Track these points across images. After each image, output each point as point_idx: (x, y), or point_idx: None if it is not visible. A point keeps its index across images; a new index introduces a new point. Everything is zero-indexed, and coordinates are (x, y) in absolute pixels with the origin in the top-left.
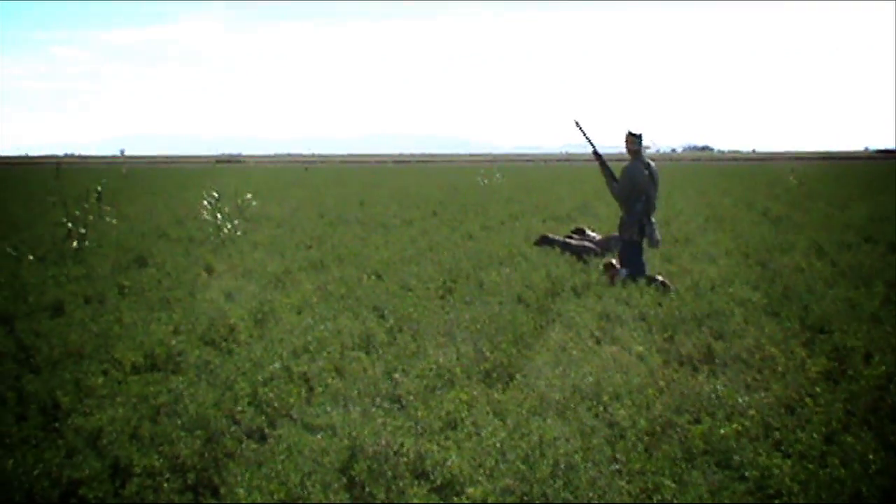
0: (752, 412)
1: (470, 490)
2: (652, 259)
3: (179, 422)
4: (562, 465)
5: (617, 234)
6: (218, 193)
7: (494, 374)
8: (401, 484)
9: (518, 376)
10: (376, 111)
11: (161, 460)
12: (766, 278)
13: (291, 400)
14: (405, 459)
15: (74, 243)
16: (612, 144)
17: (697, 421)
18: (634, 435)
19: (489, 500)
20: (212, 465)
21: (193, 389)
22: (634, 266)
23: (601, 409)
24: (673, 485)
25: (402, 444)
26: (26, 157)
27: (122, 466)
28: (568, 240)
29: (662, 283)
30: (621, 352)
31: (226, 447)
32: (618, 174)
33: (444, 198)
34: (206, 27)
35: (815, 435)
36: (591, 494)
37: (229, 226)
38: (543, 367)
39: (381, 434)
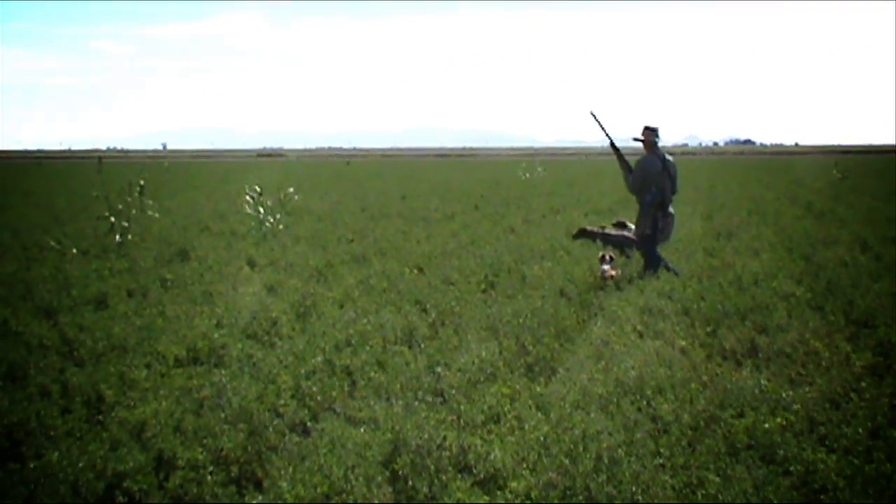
0: (796, 407)
1: (513, 484)
2: (695, 253)
3: (223, 415)
4: (605, 460)
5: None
6: (260, 187)
7: (537, 368)
8: (444, 478)
9: (561, 370)
10: (417, 105)
11: (204, 453)
12: (810, 272)
13: (334, 393)
14: (448, 453)
15: (117, 237)
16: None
17: (741, 415)
18: (678, 429)
19: (532, 494)
20: (255, 459)
21: (236, 383)
22: (651, 260)
23: (644, 403)
24: (717, 479)
25: (444, 438)
26: (69, 151)
27: (165, 459)
28: (606, 232)
29: (674, 271)
30: (664, 346)
31: (269, 440)
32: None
33: (486, 192)
34: (248, 22)
35: (860, 430)
36: (634, 489)
37: (271, 220)
38: (586, 361)
39: (424, 428)
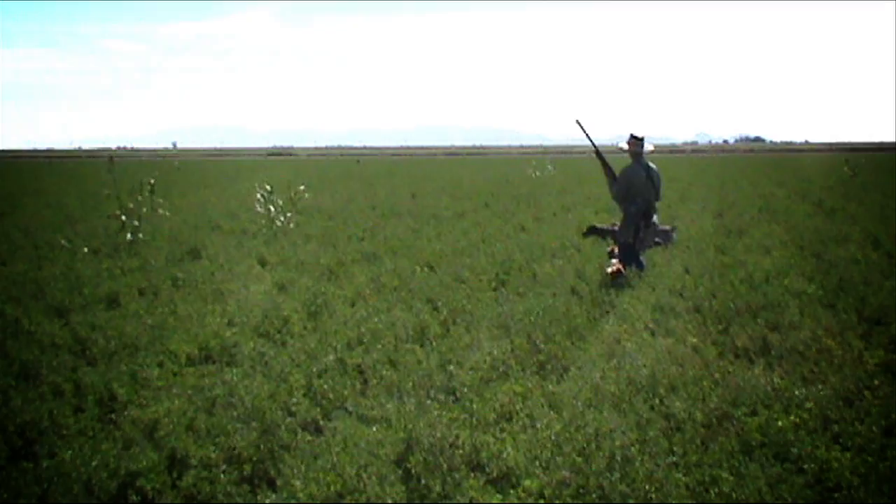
0: (809, 404)
1: (526, 482)
2: (706, 251)
3: (235, 413)
4: (618, 458)
5: (668, 226)
6: (271, 186)
7: (549, 366)
8: (456, 476)
9: (573, 368)
10: (427, 104)
11: (217, 452)
12: (822, 270)
13: (346, 392)
14: (461, 452)
15: (128, 235)
16: (664, 135)
17: (754, 413)
18: (691, 427)
19: (545, 493)
20: (268, 457)
21: (248, 381)
22: (632, 263)
23: (657, 401)
24: (731, 478)
25: (457, 437)
26: (79, 150)
27: (178, 458)
28: (616, 229)
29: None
30: (676, 344)
31: (281, 439)
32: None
33: (496, 189)
34: (259, 21)
35: (874, 428)
36: (647, 487)
37: (282, 218)
38: (598, 359)
39: (436, 426)
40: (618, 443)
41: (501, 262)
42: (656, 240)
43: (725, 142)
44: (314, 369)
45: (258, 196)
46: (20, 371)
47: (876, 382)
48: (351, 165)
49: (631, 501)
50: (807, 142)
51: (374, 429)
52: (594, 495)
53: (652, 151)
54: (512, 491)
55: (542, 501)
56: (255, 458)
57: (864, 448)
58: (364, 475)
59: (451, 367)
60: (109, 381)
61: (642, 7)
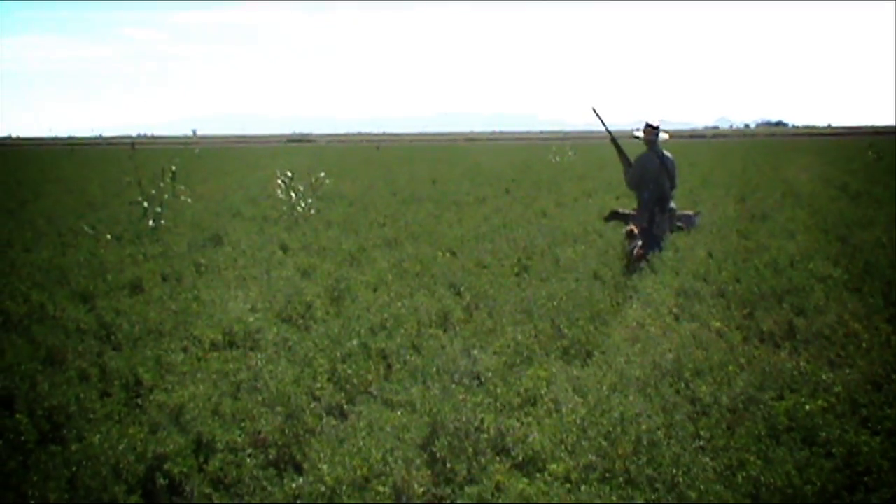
0: (837, 388)
1: (552, 466)
2: (729, 236)
3: (260, 398)
4: (644, 442)
5: (691, 211)
6: (291, 172)
7: (573, 351)
8: (482, 460)
9: (597, 353)
10: (447, 90)
11: (243, 436)
12: (847, 254)
13: (370, 377)
14: (486, 436)
15: (151, 222)
16: (685, 120)
17: (781, 397)
18: (717, 411)
19: (572, 477)
20: (293, 442)
21: (272, 366)
22: (651, 244)
23: (682, 385)
24: (758, 462)
25: (482, 421)
26: (101, 137)
27: (204, 442)
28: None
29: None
30: (701, 328)
31: (306, 423)
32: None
33: (517, 175)
34: (277, 7)
35: None
36: (674, 471)
37: (303, 204)
38: (622, 343)
39: (461, 410)
40: (644, 427)
41: (523, 248)
42: (679, 224)
43: (747, 126)
44: (338, 354)
45: (279, 182)
46: (47, 356)
47: None
48: (370, 152)
49: (657, 485)
50: (830, 126)
51: (399, 413)
52: (620, 479)
53: (667, 139)
54: (538, 475)
55: (568, 485)
56: (280, 443)
57: (894, 432)
58: (390, 459)
59: (475, 352)
60: (135, 366)
61: None
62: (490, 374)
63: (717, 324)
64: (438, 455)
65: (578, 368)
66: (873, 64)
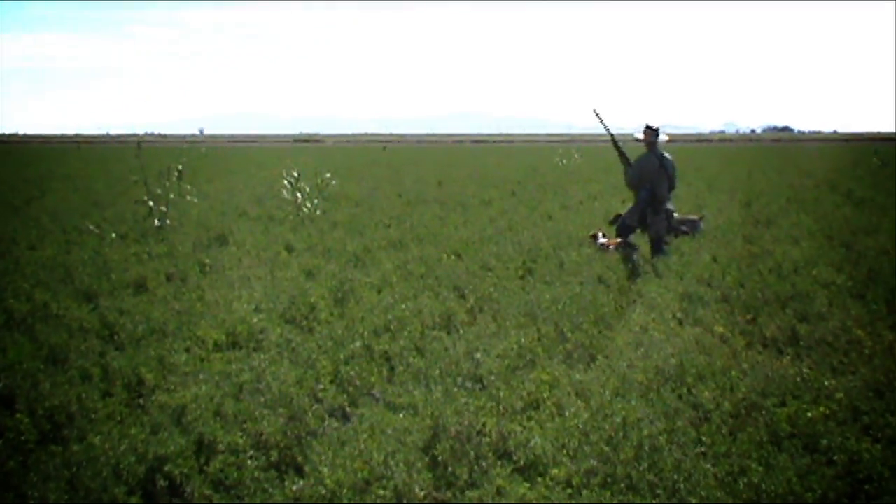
0: (839, 395)
1: (554, 471)
2: (734, 241)
3: (262, 399)
4: (646, 447)
5: (696, 216)
6: (298, 172)
7: (576, 355)
8: (484, 464)
9: (600, 357)
10: (454, 92)
11: (245, 438)
12: (851, 260)
13: (373, 379)
14: (488, 439)
15: (156, 221)
16: (692, 124)
17: (783, 404)
18: (719, 417)
19: (573, 482)
20: (295, 444)
21: (275, 367)
22: (626, 246)
23: (685, 390)
24: (760, 468)
25: (484, 424)
26: (107, 135)
27: (206, 443)
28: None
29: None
30: (704, 333)
31: (308, 425)
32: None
33: (523, 178)
34: (286, 7)
35: None
36: (676, 477)
37: (309, 205)
38: (625, 347)
39: (463, 414)
40: (646, 432)
41: (528, 251)
42: (683, 228)
43: (753, 131)
44: (341, 356)
45: (285, 182)
46: (49, 355)
47: None
48: (377, 152)
49: (659, 491)
50: (835, 132)
51: (401, 416)
52: (622, 484)
53: (668, 141)
54: (539, 479)
55: (569, 490)
56: (282, 444)
57: (895, 440)
58: (391, 462)
59: (478, 355)
60: (137, 366)
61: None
62: (493, 378)
63: (721, 329)
64: (440, 458)
65: (581, 372)
66: (879, 70)
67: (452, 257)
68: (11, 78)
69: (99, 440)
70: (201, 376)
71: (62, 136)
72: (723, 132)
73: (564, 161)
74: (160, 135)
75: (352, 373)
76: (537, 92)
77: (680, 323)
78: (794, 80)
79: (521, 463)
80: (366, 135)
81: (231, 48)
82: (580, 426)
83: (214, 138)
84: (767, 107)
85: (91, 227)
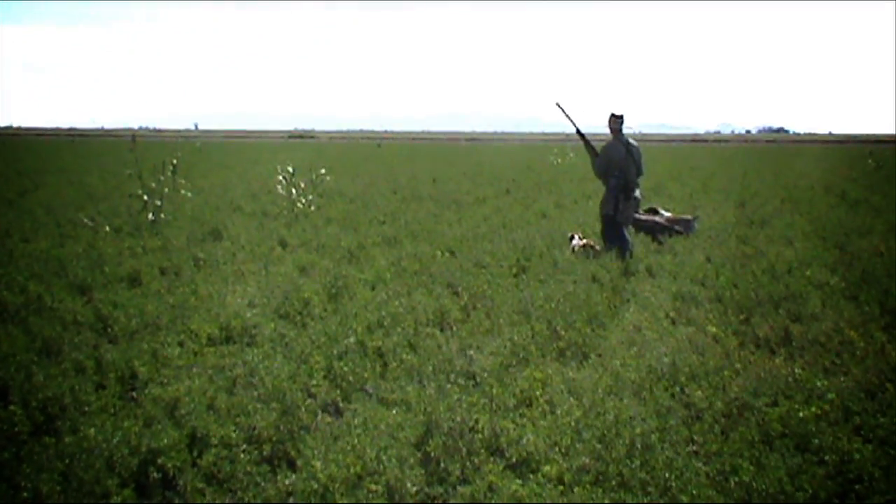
0: (831, 396)
1: (545, 468)
2: (728, 241)
3: (255, 394)
4: (638, 445)
5: (690, 216)
6: (293, 168)
7: (569, 353)
8: (476, 460)
9: (593, 355)
10: (449, 90)
11: (237, 432)
12: (844, 262)
13: (366, 374)
14: (480, 436)
15: (150, 215)
16: (686, 124)
17: (775, 404)
18: (711, 416)
19: (565, 479)
20: (288, 438)
21: (269, 362)
22: (612, 239)
23: (677, 389)
24: (751, 467)
25: (477, 421)
26: (102, 129)
27: (199, 437)
28: (637, 216)
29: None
30: (697, 333)
31: (301, 420)
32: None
33: (517, 176)
34: (281, 6)
35: None
36: (667, 475)
37: (303, 200)
38: (618, 346)
39: (456, 410)
40: (638, 430)
41: (522, 249)
42: (677, 228)
43: (748, 132)
44: (334, 351)
45: (279, 178)
46: (42, 347)
47: None
48: (372, 149)
49: (650, 489)
50: (830, 133)
51: (394, 412)
52: (614, 482)
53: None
54: (531, 476)
55: (561, 487)
56: (275, 439)
57: (886, 440)
58: (384, 458)
59: (471, 352)
60: (131, 359)
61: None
62: (486, 375)
63: (714, 329)
64: (432, 454)
65: (574, 370)
66: (875, 72)
67: (446, 254)
68: (6, 71)
69: (92, 432)
70: (195, 370)
71: (56, 130)
72: (718, 133)
73: (559, 160)
74: (155, 129)
75: (345, 368)
76: (532, 91)
77: (673, 322)
78: (790, 82)
79: (514, 460)
80: (360, 132)
81: (227, 45)
82: (572, 424)
83: (209, 133)
84: (763, 108)
85: (85, 220)
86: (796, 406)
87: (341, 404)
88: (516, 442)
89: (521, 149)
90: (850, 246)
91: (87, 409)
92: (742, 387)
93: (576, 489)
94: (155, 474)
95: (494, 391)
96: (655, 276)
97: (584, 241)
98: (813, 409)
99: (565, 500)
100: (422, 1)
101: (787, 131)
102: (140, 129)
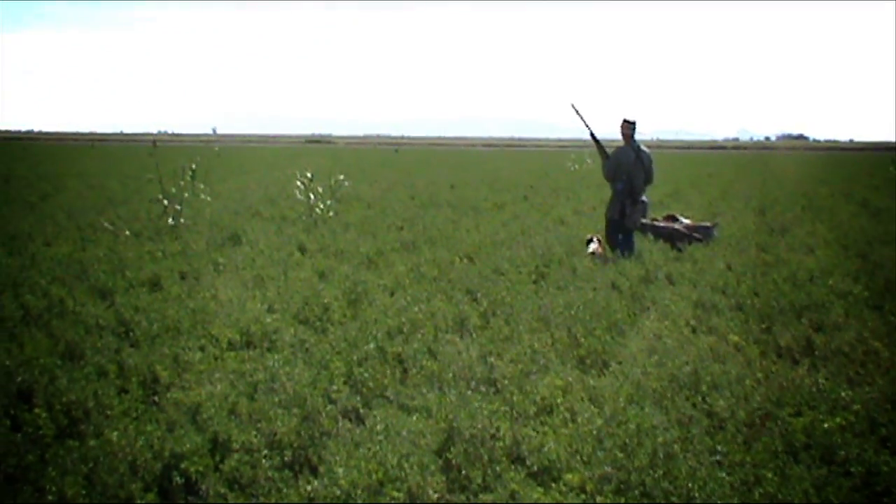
0: (856, 406)
1: (567, 476)
2: (748, 249)
3: (276, 399)
4: (660, 455)
5: (709, 223)
6: (311, 173)
7: (589, 361)
8: (497, 468)
9: (613, 363)
10: (465, 95)
11: (259, 437)
12: (867, 271)
13: (386, 381)
14: (502, 444)
15: (170, 220)
16: (705, 131)
17: (799, 414)
18: (734, 426)
19: (587, 488)
20: (309, 444)
21: (289, 368)
22: (614, 242)
23: (699, 398)
24: (775, 478)
25: (498, 429)
26: (121, 133)
27: (221, 442)
28: (655, 223)
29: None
30: (718, 342)
31: (322, 426)
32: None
33: (535, 182)
34: (300, 7)
35: None
36: (690, 485)
37: (321, 206)
38: (639, 354)
39: (477, 417)
40: (660, 439)
41: (541, 255)
42: (696, 235)
43: (767, 139)
44: (354, 357)
45: (298, 183)
46: (66, 351)
47: None
48: (389, 154)
49: (673, 499)
50: (852, 140)
51: (415, 418)
52: (636, 492)
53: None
54: (553, 484)
55: (583, 496)
56: (296, 444)
57: None
58: (405, 464)
59: (492, 359)
60: (152, 364)
61: (685, 2)
62: (506, 382)
63: (735, 337)
64: (454, 462)
65: (595, 378)
66: None
67: (465, 261)
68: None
69: (115, 436)
70: (216, 375)
71: (76, 134)
72: (736, 139)
73: (576, 166)
74: (173, 134)
75: (365, 374)
76: (549, 97)
77: (694, 331)
78: (810, 88)
79: (535, 468)
80: (377, 137)
81: (246, 49)
82: (594, 432)
83: (228, 138)
84: (782, 114)
85: (106, 224)
86: (821, 417)
87: (362, 410)
88: (538, 450)
89: (539, 154)
90: (872, 255)
91: (109, 412)
92: (765, 396)
93: (598, 498)
94: (178, 479)
95: (515, 398)
96: (675, 283)
97: (600, 247)
98: (838, 419)
99: None
100: (444, 2)
101: (806, 138)
102: (158, 133)
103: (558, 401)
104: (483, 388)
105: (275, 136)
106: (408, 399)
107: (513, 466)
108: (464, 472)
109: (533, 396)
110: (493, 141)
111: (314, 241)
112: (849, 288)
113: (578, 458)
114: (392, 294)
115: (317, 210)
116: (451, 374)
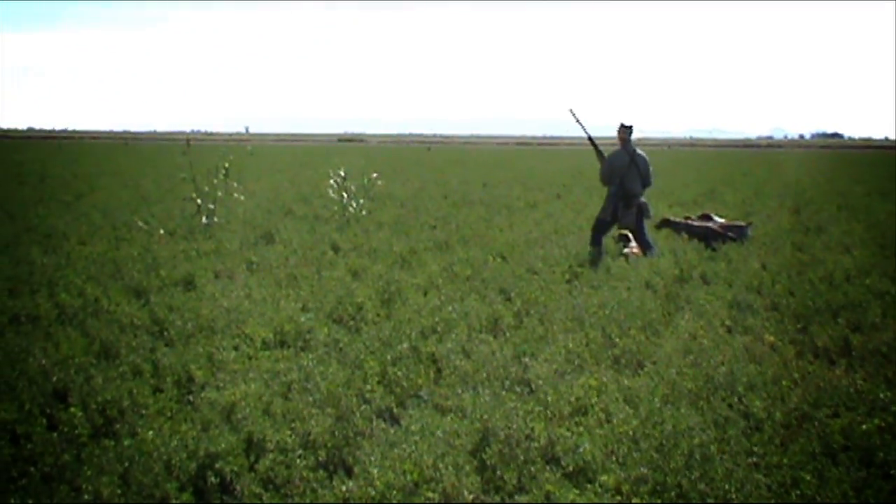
0: (894, 408)
1: (602, 477)
2: (783, 248)
3: (310, 399)
4: (696, 456)
5: (743, 222)
6: (345, 172)
7: (624, 361)
8: (532, 469)
9: (648, 363)
10: (495, 94)
11: (293, 437)
12: None
13: (420, 381)
14: (536, 444)
15: (203, 219)
16: (739, 129)
17: (836, 415)
18: (771, 427)
19: (623, 489)
20: (344, 444)
21: (323, 367)
22: (597, 240)
23: (735, 399)
24: (813, 480)
25: (532, 429)
26: (154, 132)
27: (255, 441)
28: (689, 222)
29: (626, 256)
30: (754, 342)
31: (357, 426)
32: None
33: (568, 181)
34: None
35: None
36: (727, 487)
37: (354, 205)
38: (674, 354)
39: (511, 418)
40: (696, 441)
41: (574, 255)
42: (730, 234)
43: (802, 137)
44: (388, 357)
45: (331, 182)
46: (101, 350)
47: None
48: (421, 153)
49: (710, 501)
50: (887, 139)
51: (450, 418)
52: (672, 493)
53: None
54: (588, 486)
55: (619, 497)
56: (330, 444)
57: None
58: (440, 465)
59: (526, 359)
60: (187, 363)
61: (722, 1)
62: (541, 382)
63: (771, 338)
64: (489, 462)
65: (630, 378)
66: None
67: (498, 260)
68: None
69: (150, 435)
70: (250, 374)
71: (110, 133)
72: (771, 138)
73: None
74: (206, 133)
75: (399, 374)
76: (583, 94)
77: (729, 331)
78: (845, 86)
79: (570, 469)
80: (410, 135)
81: (280, 48)
82: (629, 433)
83: (260, 137)
84: (817, 112)
85: (140, 223)
86: (858, 418)
87: (396, 410)
88: (573, 450)
89: (571, 153)
90: None
91: (144, 412)
92: (802, 397)
93: (634, 500)
94: (213, 479)
95: (550, 399)
96: (710, 283)
97: (635, 247)
98: (876, 421)
99: None
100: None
101: (841, 136)
102: (192, 132)
103: (593, 401)
104: (517, 389)
105: (307, 135)
106: (442, 399)
107: (548, 467)
108: (499, 472)
109: (567, 397)
110: (526, 139)
111: (347, 240)
112: (886, 288)
113: (614, 458)
114: (425, 293)
115: (350, 209)
116: (485, 374)
